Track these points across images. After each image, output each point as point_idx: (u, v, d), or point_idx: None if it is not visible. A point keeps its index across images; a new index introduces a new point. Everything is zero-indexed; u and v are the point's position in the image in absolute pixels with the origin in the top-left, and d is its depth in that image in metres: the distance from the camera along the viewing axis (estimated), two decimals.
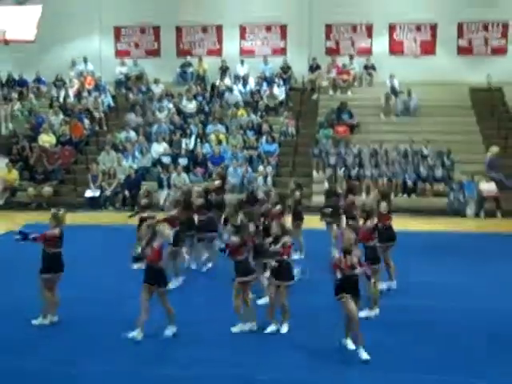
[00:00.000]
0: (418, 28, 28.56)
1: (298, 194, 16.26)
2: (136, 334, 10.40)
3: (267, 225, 12.05)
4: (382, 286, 12.69)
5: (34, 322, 11.07)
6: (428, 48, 28.55)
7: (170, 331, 10.63)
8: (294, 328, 10.85)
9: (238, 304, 10.75)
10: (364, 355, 9.61)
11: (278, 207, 13.95)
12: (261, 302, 11.95)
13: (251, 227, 11.73)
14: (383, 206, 13.06)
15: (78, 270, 13.07)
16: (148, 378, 9.26)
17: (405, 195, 23.13)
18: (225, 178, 18.78)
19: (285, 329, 10.89)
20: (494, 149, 23.44)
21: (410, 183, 23.12)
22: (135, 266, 13.94)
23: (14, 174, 24.45)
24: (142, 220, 13.64)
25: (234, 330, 10.86)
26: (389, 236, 12.98)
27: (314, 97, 27.86)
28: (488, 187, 22.32)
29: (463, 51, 28.32)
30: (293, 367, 9.56)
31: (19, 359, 9.79)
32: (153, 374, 9.32)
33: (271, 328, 10.85)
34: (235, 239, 10.77)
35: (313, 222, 16.89)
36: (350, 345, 9.96)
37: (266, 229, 11.81)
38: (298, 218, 15.98)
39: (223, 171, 20.70)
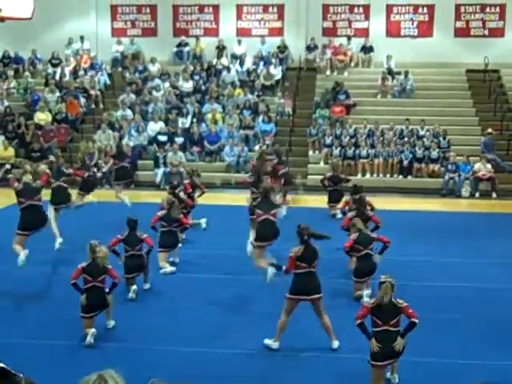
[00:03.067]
0: (416, 9, 28.41)
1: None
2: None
3: None
4: None
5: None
6: (425, 29, 28.43)
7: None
8: None
9: None
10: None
11: None
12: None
13: None
14: None
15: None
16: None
17: (400, 176, 23.19)
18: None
19: None
20: (490, 130, 23.55)
21: (405, 163, 23.14)
22: None
23: (10, 151, 24.44)
24: None
25: None
26: None
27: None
28: (483, 168, 22.39)
29: (460, 32, 28.15)
30: None
31: None
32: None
33: None
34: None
35: (309, 201, 16.98)
36: None
37: None
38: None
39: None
